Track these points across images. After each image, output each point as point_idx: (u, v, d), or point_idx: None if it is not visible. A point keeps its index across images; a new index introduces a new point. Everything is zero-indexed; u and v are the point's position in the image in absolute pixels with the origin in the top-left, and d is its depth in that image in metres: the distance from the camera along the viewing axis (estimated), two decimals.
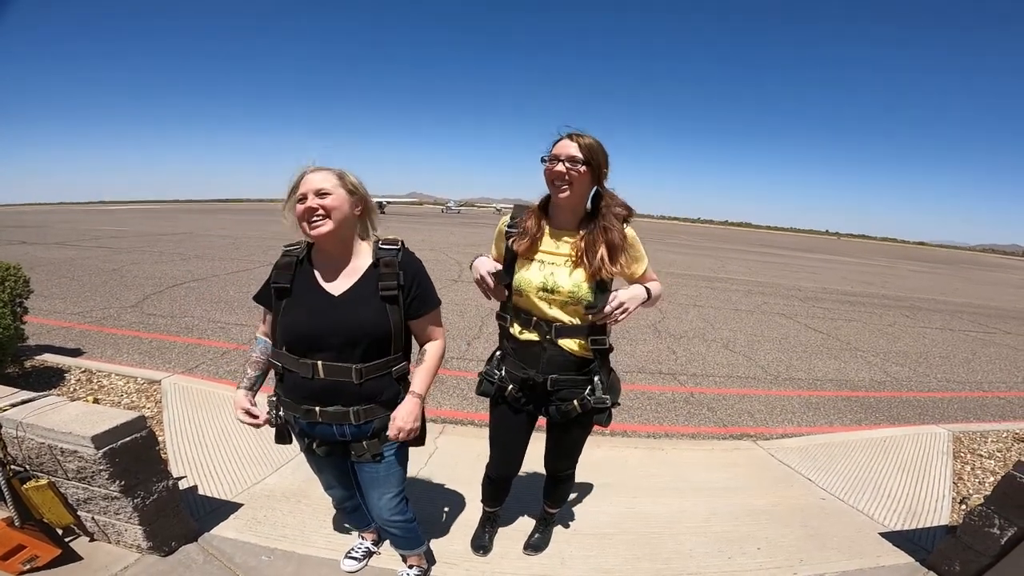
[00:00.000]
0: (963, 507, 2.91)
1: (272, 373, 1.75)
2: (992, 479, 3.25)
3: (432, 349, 1.75)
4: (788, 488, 3.07)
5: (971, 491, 3.14)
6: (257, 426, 1.70)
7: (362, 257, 1.66)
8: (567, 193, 1.68)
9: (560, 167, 1.64)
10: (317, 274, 1.65)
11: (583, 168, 1.64)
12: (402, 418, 1.65)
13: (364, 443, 1.71)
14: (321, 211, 1.52)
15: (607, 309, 1.70)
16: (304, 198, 1.53)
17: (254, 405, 1.71)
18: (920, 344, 7.78)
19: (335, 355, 1.58)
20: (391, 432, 1.66)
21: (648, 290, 1.78)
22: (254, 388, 1.75)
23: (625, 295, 1.72)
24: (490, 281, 1.78)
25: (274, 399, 1.74)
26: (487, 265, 1.82)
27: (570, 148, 1.64)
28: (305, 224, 1.54)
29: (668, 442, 3.73)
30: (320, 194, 1.53)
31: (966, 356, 7.27)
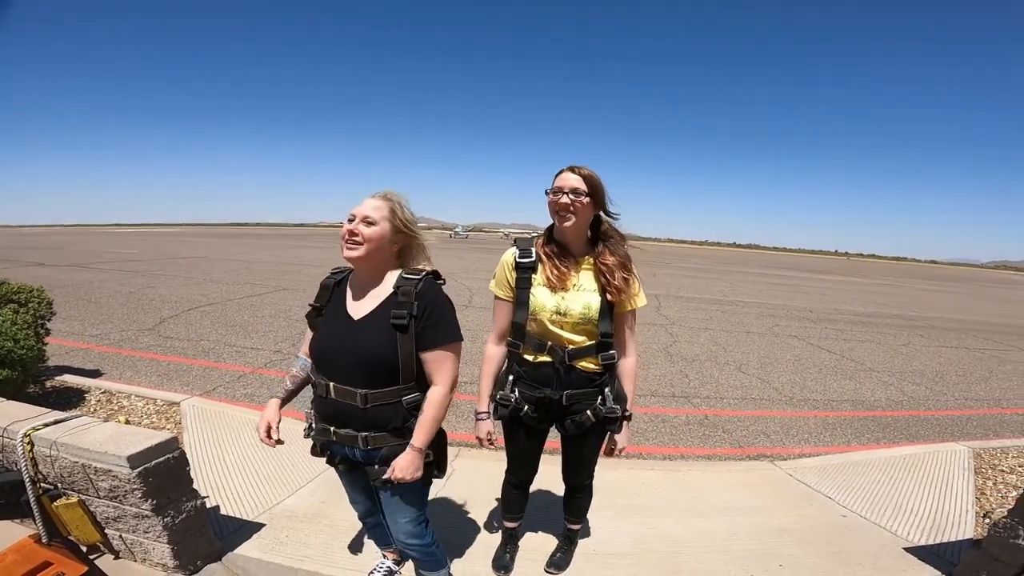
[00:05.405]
0: (987, 521, 2.89)
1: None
2: (1015, 493, 3.23)
3: (432, 397, 1.64)
4: (808, 506, 3.04)
5: (994, 505, 3.12)
6: (271, 445, 1.79)
7: (389, 284, 1.68)
8: (571, 222, 1.80)
9: (565, 199, 1.77)
10: (349, 297, 1.71)
11: (586, 199, 1.77)
12: (401, 468, 1.61)
13: (377, 467, 1.69)
14: (359, 237, 1.58)
15: (617, 450, 2.02)
16: (352, 218, 1.61)
17: (278, 420, 1.79)
18: (936, 363, 7.72)
19: (344, 378, 1.63)
20: (388, 475, 1.62)
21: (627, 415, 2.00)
22: (285, 400, 1.85)
23: (624, 441, 2.01)
24: (491, 443, 2.01)
25: (309, 412, 1.81)
26: (486, 428, 2.01)
27: (572, 180, 1.77)
28: (343, 244, 1.62)
29: (684, 463, 3.73)
30: (366, 221, 1.59)
31: (983, 374, 7.20)
